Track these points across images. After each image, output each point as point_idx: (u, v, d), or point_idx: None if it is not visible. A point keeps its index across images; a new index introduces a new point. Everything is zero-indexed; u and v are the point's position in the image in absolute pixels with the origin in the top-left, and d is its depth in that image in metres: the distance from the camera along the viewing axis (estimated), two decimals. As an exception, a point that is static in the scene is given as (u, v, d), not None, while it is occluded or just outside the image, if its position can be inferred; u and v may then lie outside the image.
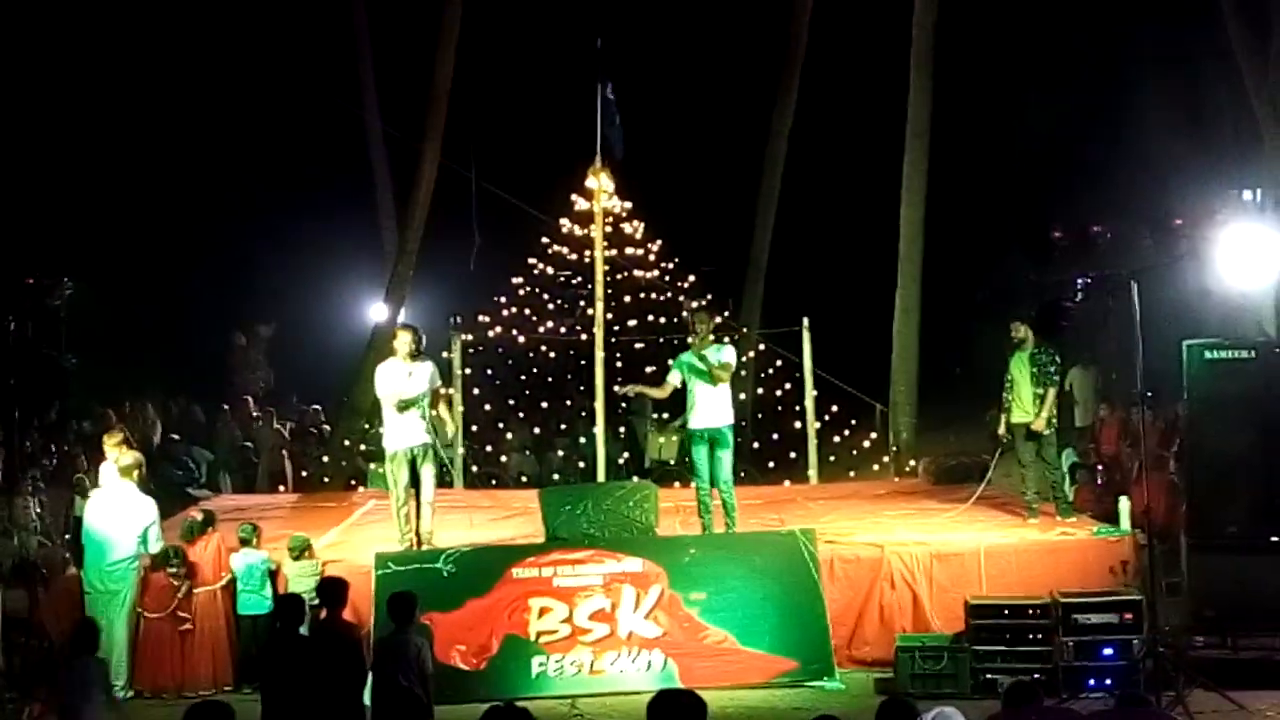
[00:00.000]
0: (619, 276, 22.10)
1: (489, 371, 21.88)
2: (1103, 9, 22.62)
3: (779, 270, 24.27)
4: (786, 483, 19.35)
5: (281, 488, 19.91)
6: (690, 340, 14.01)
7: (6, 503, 14.07)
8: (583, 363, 20.26)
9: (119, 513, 12.98)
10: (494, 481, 20.30)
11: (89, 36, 21.78)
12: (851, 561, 13.37)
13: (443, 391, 14.11)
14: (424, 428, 13.48)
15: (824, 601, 12.86)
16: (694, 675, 12.28)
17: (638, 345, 21.79)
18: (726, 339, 15.94)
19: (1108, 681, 11.90)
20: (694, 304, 21.22)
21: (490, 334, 22.05)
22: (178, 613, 12.83)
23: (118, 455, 13.42)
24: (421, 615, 11.07)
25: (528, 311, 22.78)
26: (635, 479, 18.28)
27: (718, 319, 17.32)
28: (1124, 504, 13.83)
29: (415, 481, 13.49)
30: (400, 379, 13.37)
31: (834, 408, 20.95)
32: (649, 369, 21.68)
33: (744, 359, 23.09)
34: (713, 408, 13.69)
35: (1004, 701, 8.71)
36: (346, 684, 9.74)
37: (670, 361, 14.28)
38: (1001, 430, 14.72)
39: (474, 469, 20.02)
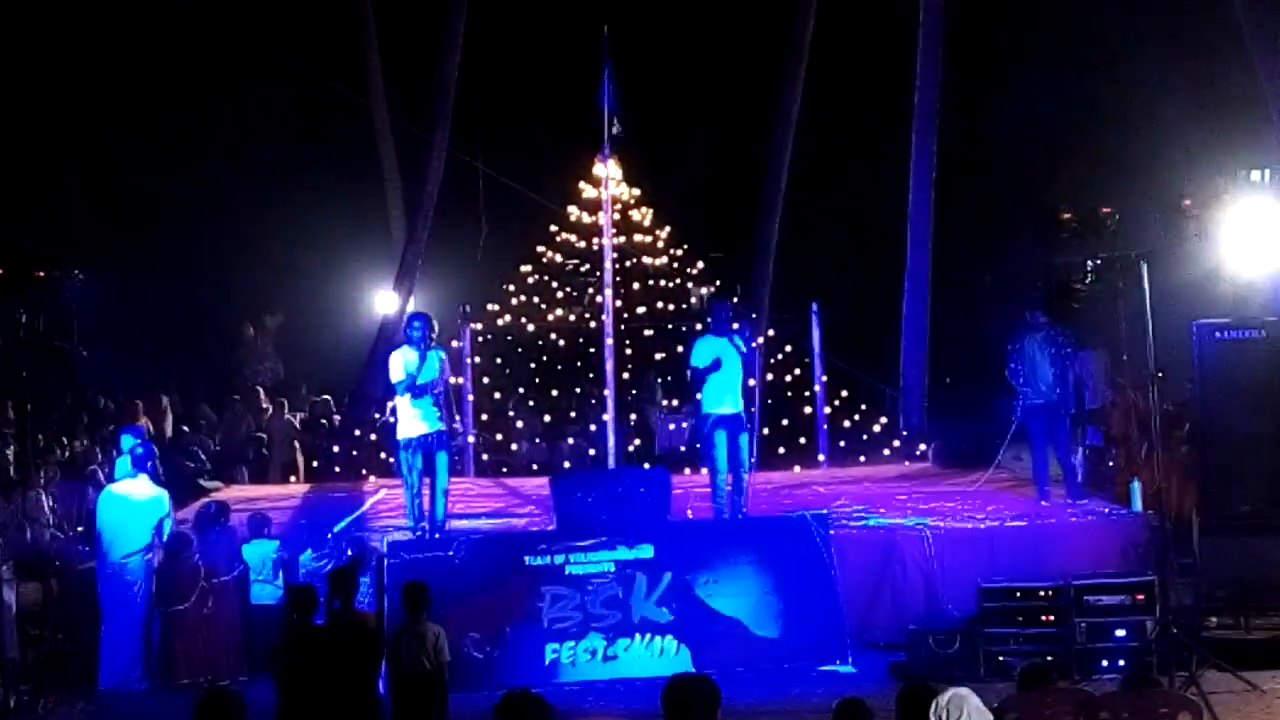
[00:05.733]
0: (628, 263, 22.12)
1: (498, 360, 21.91)
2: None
3: (788, 255, 24.26)
4: (797, 468, 19.36)
5: (293, 478, 19.94)
6: (709, 324, 13.94)
7: (20, 495, 14.13)
8: (592, 350, 20.28)
9: (132, 504, 13.01)
10: (504, 470, 20.32)
11: (97, 27, 21.81)
12: (863, 545, 13.38)
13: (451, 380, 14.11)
14: (437, 415, 13.51)
15: (836, 586, 12.86)
16: (707, 661, 12.29)
17: (647, 332, 21.82)
18: (735, 326, 15.90)
19: (1121, 663, 11.88)
20: (705, 290, 21.26)
21: (499, 322, 22.09)
22: (200, 601, 12.89)
23: (132, 446, 13.45)
24: (434, 604, 11.11)
25: (537, 299, 22.81)
26: (646, 466, 18.30)
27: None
28: (1135, 485, 13.82)
29: (429, 469, 13.53)
30: (415, 365, 13.36)
31: (844, 392, 20.96)
32: (659, 355, 21.75)
33: (753, 344, 23.13)
34: (738, 393, 13.70)
35: (1018, 684, 8.72)
36: (361, 673, 9.76)
37: (697, 346, 13.88)
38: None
39: (484, 457, 20.04)
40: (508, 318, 22.26)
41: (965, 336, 21.20)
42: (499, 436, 21.17)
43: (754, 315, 22.49)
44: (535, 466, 20.42)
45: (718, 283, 22.76)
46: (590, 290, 21.98)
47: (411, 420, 13.48)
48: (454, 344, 19.37)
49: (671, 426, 20.67)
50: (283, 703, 9.70)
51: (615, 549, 12.84)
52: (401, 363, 13.43)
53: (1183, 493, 14.22)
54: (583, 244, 22.66)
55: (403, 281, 22.28)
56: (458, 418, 14.68)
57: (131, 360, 19.46)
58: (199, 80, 23.11)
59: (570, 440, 20.91)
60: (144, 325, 21.47)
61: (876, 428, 21.06)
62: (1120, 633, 12.09)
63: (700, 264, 23.36)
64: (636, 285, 22.43)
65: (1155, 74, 20.87)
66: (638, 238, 22.87)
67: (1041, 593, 12.41)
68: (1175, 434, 15.44)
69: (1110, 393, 18.36)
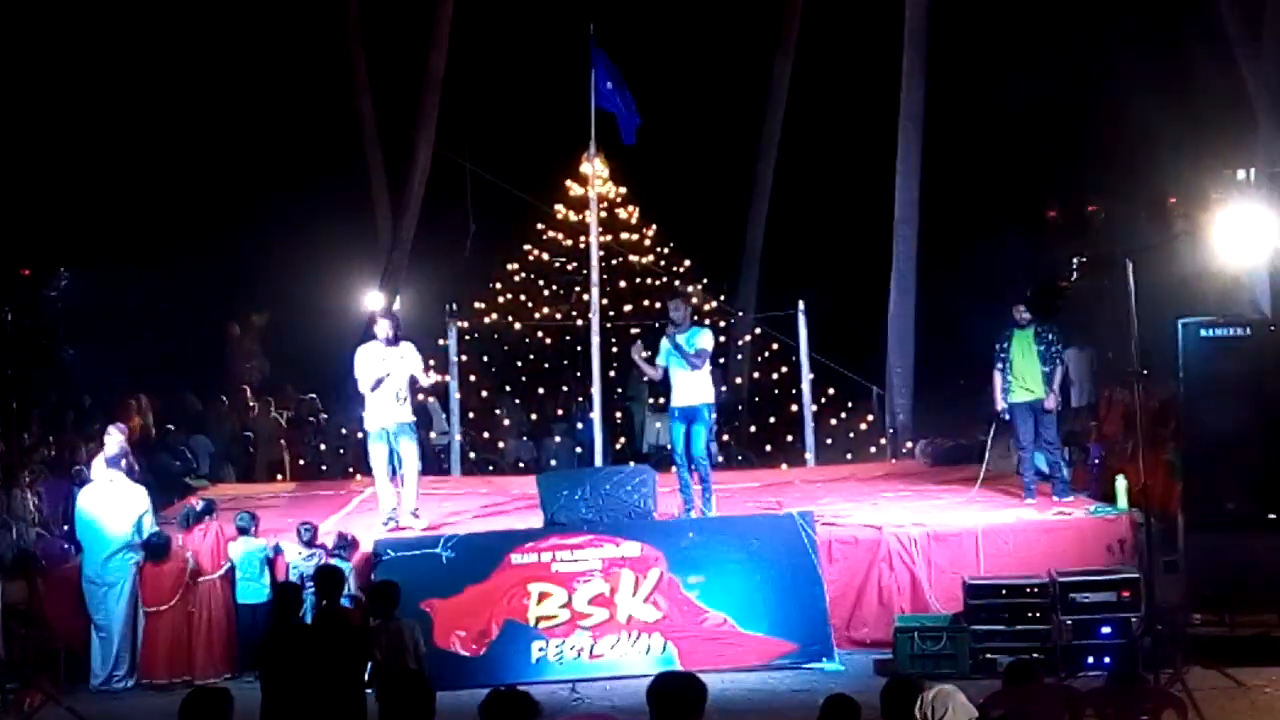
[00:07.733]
0: (614, 262, 22.14)
1: (485, 358, 21.92)
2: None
3: (774, 253, 24.28)
4: (783, 465, 19.38)
5: (280, 477, 19.92)
6: (668, 325, 14.13)
7: (5, 494, 14.09)
8: (578, 348, 20.29)
9: (111, 504, 12.99)
10: (491, 468, 20.33)
11: (84, 28, 21.73)
12: (849, 543, 13.38)
13: (429, 377, 14.27)
14: (398, 408, 13.75)
15: (822, 583, 12.88)
16: (693, 658, 12.30)
17: (633, 330, 21.82)
18: (708, 322, 15.96)
19: (1106, 660, 11.93)
20: (675, 287, 21.29)
21: (486, 320, 22.09)
22: (184, 600, 12.88)
23: (109, 446, 13.44)
24: (421, 601, 11.10)
25: (523, 298, 22.82)
26: (633, 463, 18.31)
27: (694, 301, 17.38)
28: (1121, 483, 13.84)
29: (394, 459, 13.81)
30: (375, 361, 13.72)
31: (830, 390, 21.00)
32: (645, 354, 21.76)
33: (740, 343, 23.16)
34: (690, 387, 13.85)
35: (1004, 680, 8.75)
36: (347, 670, 9.75)
37: (662, 344, 14.29)
38: (1000, 407, 14.64)
39: (471, 455, 20.04)
40: (494, 316, 22.28)
41: (951, 334, 21.26)
42: (486, 434, 21.18)
43: (740, 313, 22.54)
44: (522, 464, 20.44)
45: (704, 281, 22.80)
46: (577, 288, 22.00)
47: (374, 413, 13.84)
48: (440, 342, 19.37)
49: (658, 424, 20.69)
50: (268, 700, 9.70)
51: (602, 546, 12.87)
52: (363, 359, 13.81)
53: (1168, 490, 14.24)
54: (569, 242, 22.68)
55: (389, 280, 22.26)
56: (444, 414, 14.74)
57: (117, 359, 19.39)
58: (187, 79, 23.03)
59: (557, 438, 20.93)
60: (130, 324, 21.39)
61: (863, 425, 21.11)
62: (1106, 629, 12.11)
63: (687, 262, 23.38)
64: (623, 283, 22.45)
65: (1142, 73, 20.90)
66: (624, 236, 22.89)
67: (1027, 589, 12.43)
68: (1160, 431, 15.47)
69: (1106, 389, 18.40)
